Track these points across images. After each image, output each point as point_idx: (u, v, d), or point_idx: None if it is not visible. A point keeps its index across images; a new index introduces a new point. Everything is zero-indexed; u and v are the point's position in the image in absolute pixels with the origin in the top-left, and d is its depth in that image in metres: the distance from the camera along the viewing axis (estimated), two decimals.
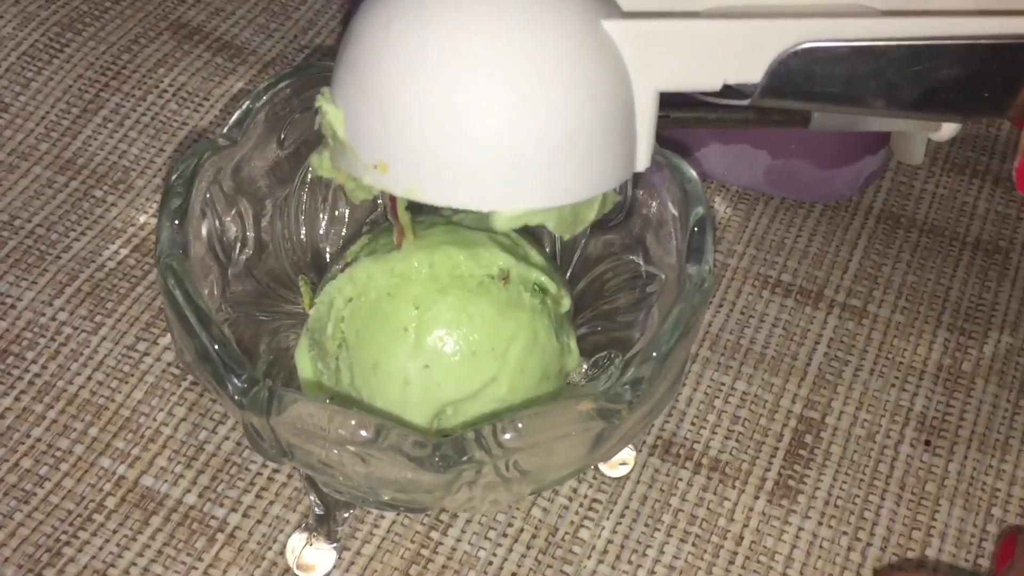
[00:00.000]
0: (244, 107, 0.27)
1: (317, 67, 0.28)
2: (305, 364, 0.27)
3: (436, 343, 0.24)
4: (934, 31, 0.21)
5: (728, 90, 0.22)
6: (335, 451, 0.22)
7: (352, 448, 0.22)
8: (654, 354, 0.23)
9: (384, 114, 0.22)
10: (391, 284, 0.25)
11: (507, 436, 0.22)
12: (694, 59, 0.22)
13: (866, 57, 0.21)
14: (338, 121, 0.23)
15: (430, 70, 0.21)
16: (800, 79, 0.22)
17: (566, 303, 0.27)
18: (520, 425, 0.22)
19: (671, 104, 0.23)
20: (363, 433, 0.21)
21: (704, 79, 0.22)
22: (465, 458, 0.22)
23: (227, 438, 0.31)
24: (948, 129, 0.24)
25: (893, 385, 0.34)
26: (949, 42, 0.21)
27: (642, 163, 0.23)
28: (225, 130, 0.27)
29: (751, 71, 0.22)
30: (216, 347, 0.22)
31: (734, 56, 0.22)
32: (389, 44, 0.21)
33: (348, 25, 0.23)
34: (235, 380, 0.22)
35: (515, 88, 0.21)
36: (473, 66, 0.21)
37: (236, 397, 0.22)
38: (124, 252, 0.35)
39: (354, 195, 0.24)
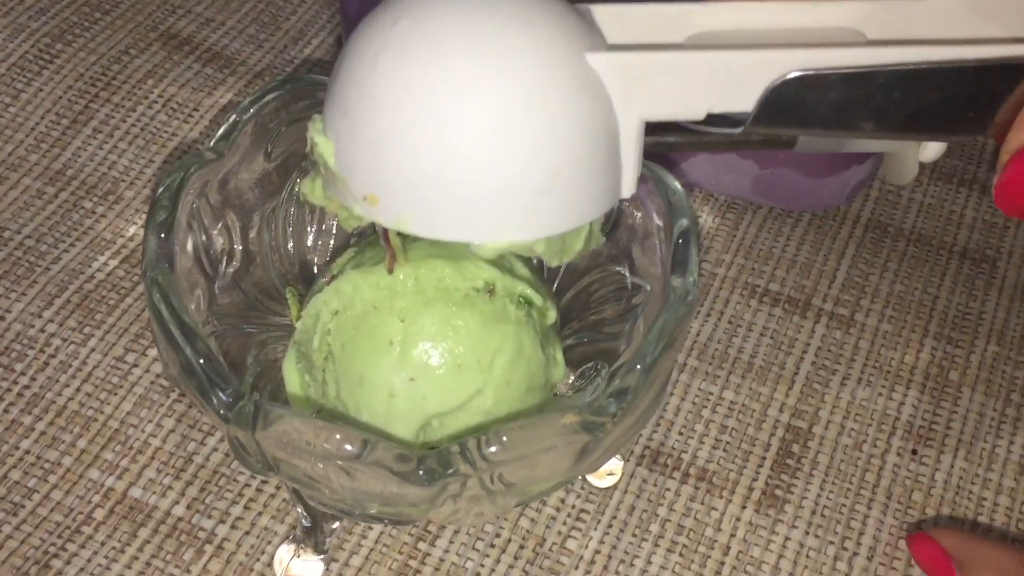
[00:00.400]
0: (231, 120, 0.27)
1: (304, 80, 0.28)
2: (292, 377, 0.27)
3: (421, 356, 0.24)
4: (921, 57, 0.21)
5: (720, 119, 0.23)
6: (321, 465, 0.22)
7: (338, 462, 0.22)
8: (638, 366, 0.24)
9: (373, 148, 0.22)
10: (377, 297, 0.25)
11: (492, 449, 0.22)
12: (679, 89, 0.22)
13: (857, 83, 0.22)
14: (328, 152, 0.23)
15: (417, 106, 0.21)
16: (792, 107, 0.22)
17: (552, 315, 0.27)
18: (505, 438, 0.22)
19: (661, 128, 0.24)
20: (348, 448, 0.22)
21: (689, 109, 0.22)
22: (450, 471, 0.22)
23: (215, 449, 0.31)
24: (933, 149, 0.24)
25: (880, 394, 0.34)
26: (935, 66, 0.21)
27: (627, 190, 0.24)
28: (212, 143, 0.27)
29: (739, 100, 0.22)
30: (201, 361, 0.22)
31: (721, 86, 0.22)
32: (376, 79, 0.22)
33: (338, 57, 0.23)
34: (220, 394, 0.22)
35: (501, 123, 0.21)
36: (459, 102, 0.21)
37: (221, 411, 0.22)
38: (113, 264, 0.36)
39: (346, 223, 0.24)
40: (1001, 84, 0.21)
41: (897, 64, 0.21)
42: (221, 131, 0.27)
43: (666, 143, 0.24)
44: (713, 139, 0.24)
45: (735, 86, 0.22)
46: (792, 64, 0.21)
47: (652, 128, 0.23)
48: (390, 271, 0.25)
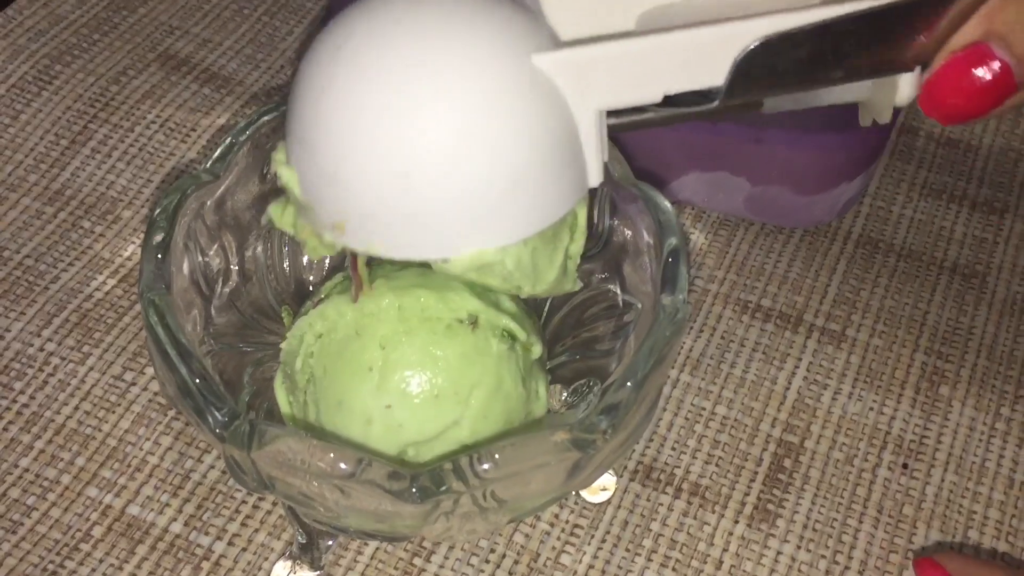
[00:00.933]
0: (227, 142, 0.28)
1: None
2: (282, 396, 0.27)
3: (399, 384, 0.25)
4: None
5: (689, 96, 0.23)
6: (315, 483, 0.22)
7: (332, 481, 0.22)
8: (628, 383, 0.24)
9: (334, 175, 0.22)
10: (360, 323, 0.25)
11: (484, 466, 0.22)
12: (634, 76, 0.22)
13: (820, 36, 0.22)
14: (293, 182, 0.23)
15: (370, 130, 0.22)
16: (761, 73, 0.22)
17: (537, 350, 0.27)
18: (497, 456, 0.22)
19: (629, 111, 0.24)
20: (343, 466, 0.22)
21: (647, 93, 0.22)
22: (443, 488, 0.22)
23: (212, 467, 0.32)
24: (906, 92, 0.24)
25: (871, 408, 0.35)
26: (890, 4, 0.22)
27: (595, 179, 0.24)
28: (208, 164, 0.27)
29: (703, 77, 0.22)
30: (196, 381, 0.23)
31: (679, 67, 0.22)
32: (328, 107, 0.22)
33: (291, 85, 0.24)
34: (216, 414, 0.22)
35: (454, 139, 0.22)
36: (410, 121, 0.21)
37: (217, 431, 0.22)
38: (111, 283, 0.36)
39: (313, 252, 0.24)
40: (941, 4, 0.21)
41: (854, 11, 0.21)
42: (217, 153, 0.28)
43: (636, 122, 0.24)
44: (684, 114, 0.23)
45: (696, 64, 0.22)
46: (753, 33, 0.21)
47: (620, 110, 0.23)
48: (355, 300, 0.25)
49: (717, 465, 0.33)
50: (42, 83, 0.41)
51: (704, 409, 0.34)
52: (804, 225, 0.39)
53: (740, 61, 0.22)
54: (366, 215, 0.22)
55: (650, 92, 0.22)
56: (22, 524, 0.30)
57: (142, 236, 0.37)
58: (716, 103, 0.22)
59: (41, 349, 0.34)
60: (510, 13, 0.22)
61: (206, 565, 0.30)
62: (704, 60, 0.22)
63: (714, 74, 0.22)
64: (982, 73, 0.22)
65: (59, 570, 0.30)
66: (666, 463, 0.33)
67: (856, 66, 0.22)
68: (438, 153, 0.22)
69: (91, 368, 0.34)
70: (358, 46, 0.22)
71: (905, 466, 0.33)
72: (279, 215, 0.25)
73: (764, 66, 0.22)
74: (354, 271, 0.25)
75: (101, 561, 0.30)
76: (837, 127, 0.36)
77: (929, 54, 0.22)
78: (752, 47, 0.21)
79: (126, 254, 0.37)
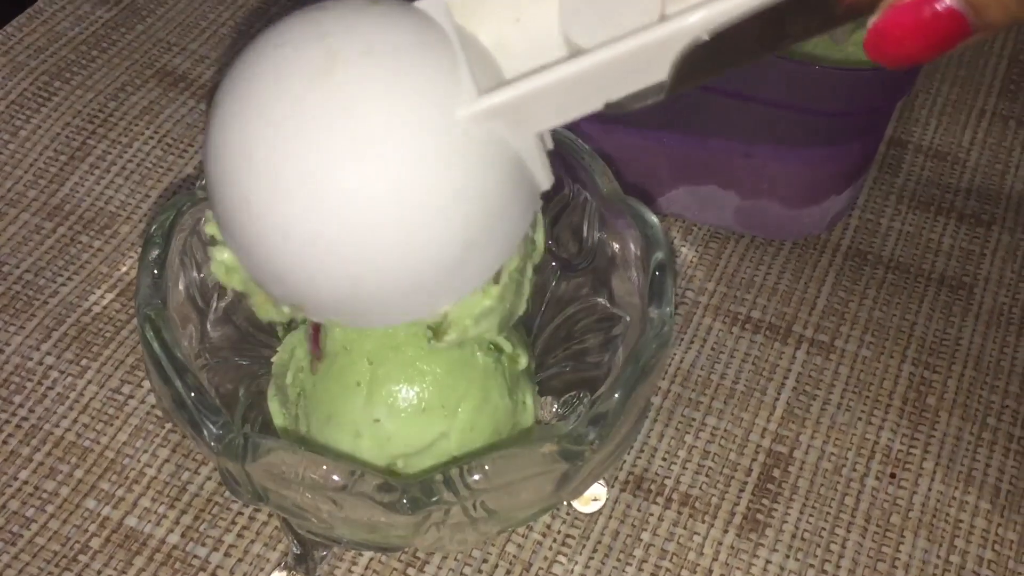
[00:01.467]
0: None
1: None
2: (275, 409, 0.28)
3: (387, 398, 0.25)
4: None
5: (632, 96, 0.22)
6: (308, 495, 0.23)
7: (326, 493, 0.23)
8: (615, 395, 0.24)
9: (280, 276, 0.22)
10: (347, 338, 0.25)
11: (474, 478, 0.23)
12: (570, 98, 0.21)
13: (754, 22, 0.20)
14: (235, 267, 0.23)
15: (310, 223, 0.21)
16: (705, 62, 0.21)
17: (523, 361, 0.28)
18: (487, 467, 0.23)
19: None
20: (335, 478, 0.22)
21: (587, 107, 0.22)
22: (433, 499, 0.23)
23: (209, 478, 0.32)
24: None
25: (860, 419, 0.35)
26: None
27: (545, 183, 0.23)
28: (204, 182, 0.28)
29: (642, 80, 0.21)
30: (192, 395, 0.23)
31: (615, 79, 0.21)
32: (252, 216, 0.21)
33: (203, 169, 0.23)
34: (211, 427, 0.23)
35: (402, 223, 0.21)
36: (354, 208, 0.21)
37: (212, 443, 0.23)
38: (109, 297, 0.36)
39: (266, 315, 0.24)
40: None
41: None
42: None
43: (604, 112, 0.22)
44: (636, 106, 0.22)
45: (633, 73, 0.21)
46: (686, 33, 0.20)
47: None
48: (314, 372, 0.26)
49: (707, 475, 0.33)
50: (41, 99, 0.42)
51: (694, 420, 0.35)
52: (793, 238, 0.40)
53: (679, 62, 0.21)
54: (321, 302, 0.22)
55: (590, 106, 0.22)
56: (21, 536, 0.31)
57: (139, 251, 0.38)
58: (663, 96, 0.21)
59: (40, 363, 0.35)
60: (427, 63, 0.21)
61: None
62: (640, 67, 0.21)
63: (655, 74, 0.21)
64: (931, 16, 0.20)
65: None
66: (656, 473, 0.33)
67: (797, 32, 0.21)
68: (388, 235, 0.21)
69: (89, 381, 0.34)
70: (278, 120, 0.20)
71: (892, 475, 0.34)
72: (223, 273, 0.24)
73: (703, 59, 0.21)
74: (315, 345, 0.25)
75: (99, 572, 0.30)
76: (825, 141, 0.37)
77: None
78: (685, 51, 0.21)
79: (123, 269, 0.37)
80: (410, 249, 0.21)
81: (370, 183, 0.21)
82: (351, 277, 0.21)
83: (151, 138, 0.41)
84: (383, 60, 0.21)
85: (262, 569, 0.30)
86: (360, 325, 0.23)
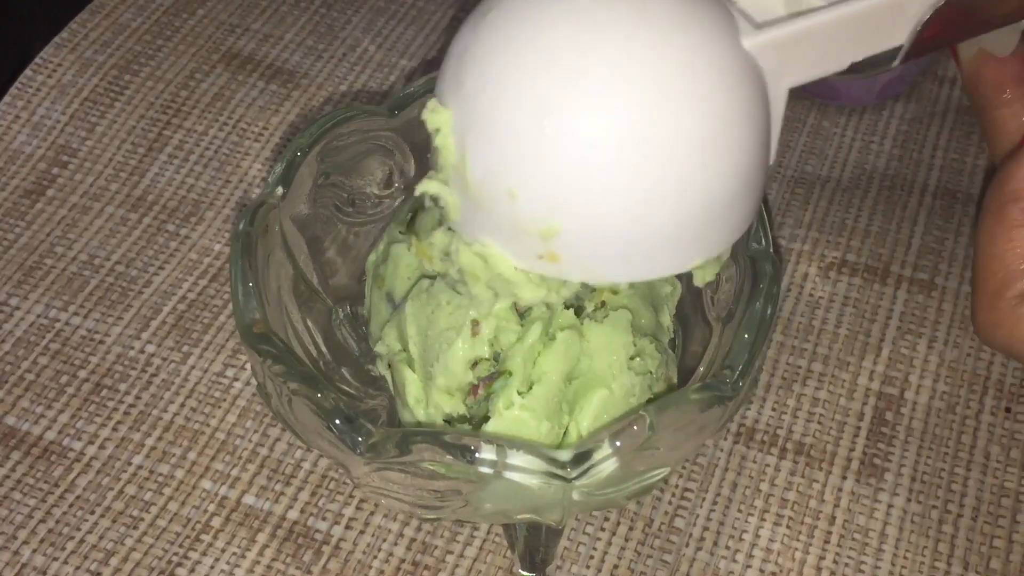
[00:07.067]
0: (288, 160, 0.28)
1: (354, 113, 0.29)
2: (412, 387, 0.26)
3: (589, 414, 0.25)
4: None
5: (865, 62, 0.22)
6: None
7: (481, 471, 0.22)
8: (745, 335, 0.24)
9: (560, 203, 0.20)
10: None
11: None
12: (827, 50, 0.22)
13: None
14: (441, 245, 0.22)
15: (607, 160, 0.20)
16: (945, 29, 0.22)
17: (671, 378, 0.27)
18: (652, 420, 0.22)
19: None
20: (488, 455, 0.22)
21: (835, 64, 0.22)
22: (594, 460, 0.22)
23: (322, 456, 0.32)
24: None
25: (968, 355, 0.34)
26: None
27: (772, 157, 0.23)
28: (273, 187, 0.28)
29: (887, 41, 0.22)
30: (337, 422, 0.23)
31: (867, 36, 0.22)
32: (549, 124, 0.20)
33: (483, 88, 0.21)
34: (358, 439, 0.23)
35: (694, 151, 0.20)
36: (649, 145, 0.20)
37: (359, 452, 0.23)
38: (203, 283, 0.36)
39: (431, 264, 0.23)
40: None
41: None
42: (280, 171, 0.28)
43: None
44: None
45: (883, 31, 0.22)
46: None
47: None
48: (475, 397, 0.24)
49: (819, 422, 0.33)
50: (114, 94, 0.42)
51: (800, 367, 0.34)
52: (846, 103, 0.40)
53: (920, 24, 0.22)
54: (589, 245, 0.21)
55: (838, 63, 0.22)
56: (142, 519, 0.31)
57: (227, 235, 0.38)
58: (894, 63, 0.22)
59: (142, 351, 0.35)
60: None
61: (327, 549, 0.30)
62: (885, 27, 0.22)
63: (896, 37, 0.22)
64: None
65: (184, 561, 0.30)
66: (768, 424, 0.33)
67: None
68: (683, 166, 0.20)
69: (192, 367, 0.34)
70: (592, 27, 0.20)
71: (1008, 410, 0.33)
72: (425, 254, 0.23)
73: (941, 23, 0.22)
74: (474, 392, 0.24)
75: (223, 551, 0.30)
76: None
77: None
78: (930, 11, 0.22)
79: (214, 252, 0.37)
80: (703, 176, 0.21)
81: (676, 100, 0.20)
82: (643, 198, 0.20)
83: (225, 124, 0.41)
84: None
85: (384, 539, 0.31)
86: (618, 278, 0.22)
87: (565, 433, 0.25)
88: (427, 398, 0.25)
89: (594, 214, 0.20)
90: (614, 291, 0.26)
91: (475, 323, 0.24)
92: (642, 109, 0.20)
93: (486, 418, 0.24)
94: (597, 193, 0.20)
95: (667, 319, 0.28)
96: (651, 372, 0.26)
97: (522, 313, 0.25)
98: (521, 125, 0.20)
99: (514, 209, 0.21)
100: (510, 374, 0.24)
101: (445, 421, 0.24)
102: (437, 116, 0.22)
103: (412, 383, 0.25)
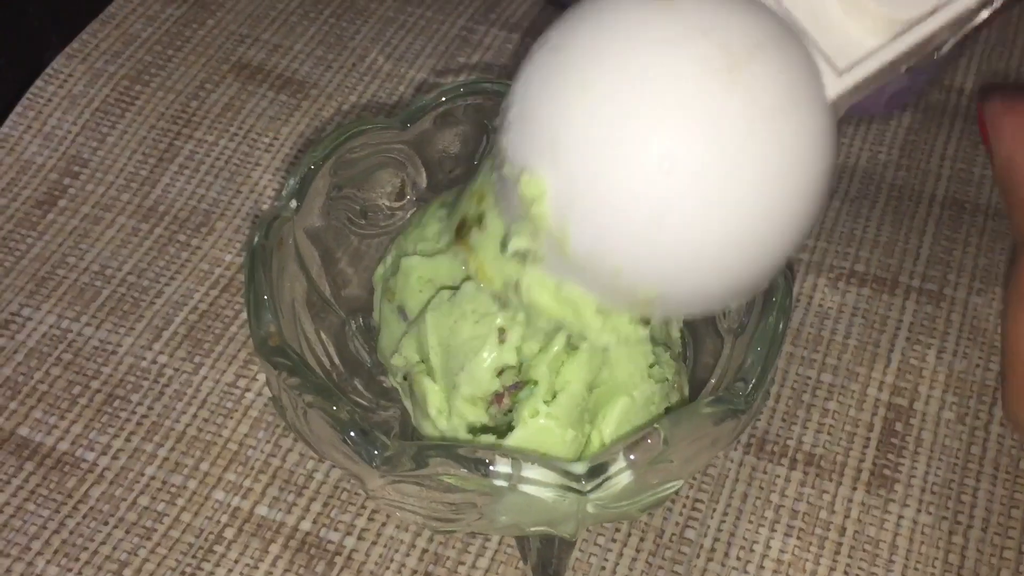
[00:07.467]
0: (302, 173, 0.28)
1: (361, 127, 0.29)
2: (435, 398, 0.27)
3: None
4: None
5: None
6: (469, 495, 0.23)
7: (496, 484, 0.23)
8: (758, 348, 0.24)
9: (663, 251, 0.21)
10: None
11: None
12: (888, 72, 0.22)
13: None
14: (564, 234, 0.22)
15: (715, 251, 0.21)
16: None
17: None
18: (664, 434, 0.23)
19: None
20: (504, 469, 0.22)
21: (893, 76, 0.22)
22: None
23: (335, 466, 0.32)
24: None
25: (978, 365, 0.35)
26: None
27: None
28: (285, 199, 0.28)
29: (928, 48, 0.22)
30: (352, 434, 0.23)
31: (921, 50, 0.22)
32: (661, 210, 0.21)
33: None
34: (374, 451, 0.23)
35: (787, 229, 0.22)
36: (755, 234, 0.21)
37: (375, 465, 0.23)
38: (214, 293, 0.37)
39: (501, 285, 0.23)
40: None
41: None
42: (294, 184, 0.28)
43: None
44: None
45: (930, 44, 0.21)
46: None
47: None
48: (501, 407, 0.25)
49: (828, 433, 0.33)
50: (124, 104, 0.42)
51: (809, 378, 0.34)
52: (852, 113, 0.39)
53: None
54: (682, 295, 0.22)
55: (896, 74, 0.22)
56: (155, 530, 0.31)
57: (238, 245, 0.38)
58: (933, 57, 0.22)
59: (154, 362, 0.35)
60: (803, 53, 0.21)
61: (339, 560, 0.31)
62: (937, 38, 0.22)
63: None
64: None
65: (197, 572, 0.30)
66: (778, 435, 0.33)
67: None
68: (776, 238, 0.21)
69: (204, 377, 0.35)
70: (695, 115, 0.20)
71: None
72: (485, 275, 0.24)
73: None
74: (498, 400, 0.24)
75: (236, 562, 0.31)
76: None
77: None
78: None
79: (225, 263, 0.37)
80: (787, 229, 0.21)
81: (782, 189, 0.21)
82: (737, 272, 0.22)
83: (236, 134, 0.41)
84: (774, 53, 0.20)
85: (396, 550, 0.31)
86: (685, 309, 0.23)
87: (587, 442, 0.25)
88: (450, 408, 0.25)
89: (694, 282, 0.22)
90: None
91: (502, 331, 0.24)
92: (753, 208, 0.21)
93: (510, 427, 0.24)
94: (704, 271, 0.21)
95: (675, 331, 0.28)
96: (668, 379, 0.26)
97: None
98: (636, 217, 0.21)
99: (616, 281, 0.22)
100: (535, 383, 0.24)
101: (468, 431, 0.25)
102: (534, 186, 0.21)
103: (434, 393, 0.25)
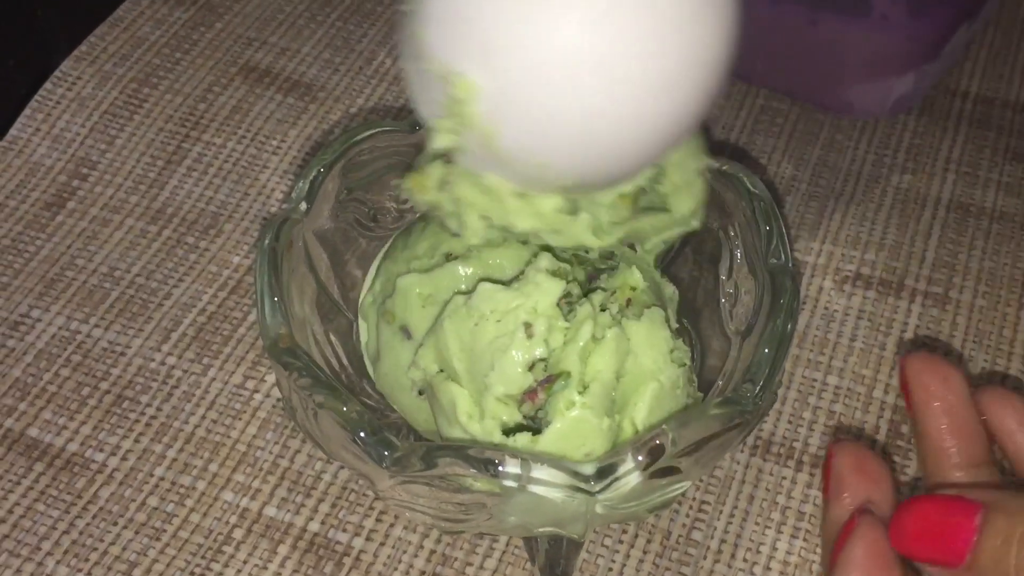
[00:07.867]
0: (312, 175, 0.28)
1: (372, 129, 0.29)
2: (463, 402, 0.26)
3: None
4: None
5: None
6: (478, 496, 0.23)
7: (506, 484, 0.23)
8: (766, 350, 0.24)
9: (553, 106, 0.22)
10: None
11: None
12: None
13: None
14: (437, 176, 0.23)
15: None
16: None
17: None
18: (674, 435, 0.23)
19: None
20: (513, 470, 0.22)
21: None
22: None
23: (342, 467, 0.32)
24: None
25: (983, 368, 0.35)
26: None
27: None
28: (295, 202, 0.28)
29: None
30: (361, 435, 0.23)
31: None
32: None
33: None
34: (384, 452, 0.23)
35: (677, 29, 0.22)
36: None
37: (385, 465, 0.23)
38: (222, 295, 0.37)
39: (474, 235, 0.24)
40: None
41: None
42: (303, 187, 0.28)
43: None
44: None
45: None
46: None
47: None
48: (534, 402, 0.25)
49: (835, 436, 0.33)
50: (133, 107, 0.42)
51: (815, 380, 0.34)
52: (855, 115, 0.41)
53: None
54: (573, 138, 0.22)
55: None
56: (164, 530, 0.31)
57: (246, 247, 0.38)
58: None
59: (163, 363, 0.35)
60: None
61: (347, 561, 0.31)
62: None
63: None
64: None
65: (206, 572, 0.31)
66: (784, 437, 0.33)
67: None
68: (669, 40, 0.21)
69: (213, 379, 0.35)
70: None
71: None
72: (419, 184, 0.24)
73: None
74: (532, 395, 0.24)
75: (245, 562, 0.31)
76: (889, 20, 0.38)
77: None
78: None
79: (233, 265, 0.38)
80: (667, 67, 0.21)
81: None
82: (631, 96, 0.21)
83: (244, 137, 0.42)
84: None
85: (404, 551, 0.31)
86: (590, 181, 0.23)
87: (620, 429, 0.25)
88: (481, 411, 0.25)
89: (618, 165, 0.22)
90: (633, 287, 0.26)
91: (528, 325, 0.24)
92: (673, 90, 0.22)
93: (546, 422, 0.24)
94: (627, 153, 0.22)
95: (672, 321, 0.28)
96: (687, 364, 0.26)
97: (566, 314, 0.25)
98: (568, 116, 0.21)
99: (543, 173, 0.22)
100: (567, 375, 0.24)
101: (503, 432, 0.25)
102: (465, 88, 0.22)
103: (463, 398, 0.25)
